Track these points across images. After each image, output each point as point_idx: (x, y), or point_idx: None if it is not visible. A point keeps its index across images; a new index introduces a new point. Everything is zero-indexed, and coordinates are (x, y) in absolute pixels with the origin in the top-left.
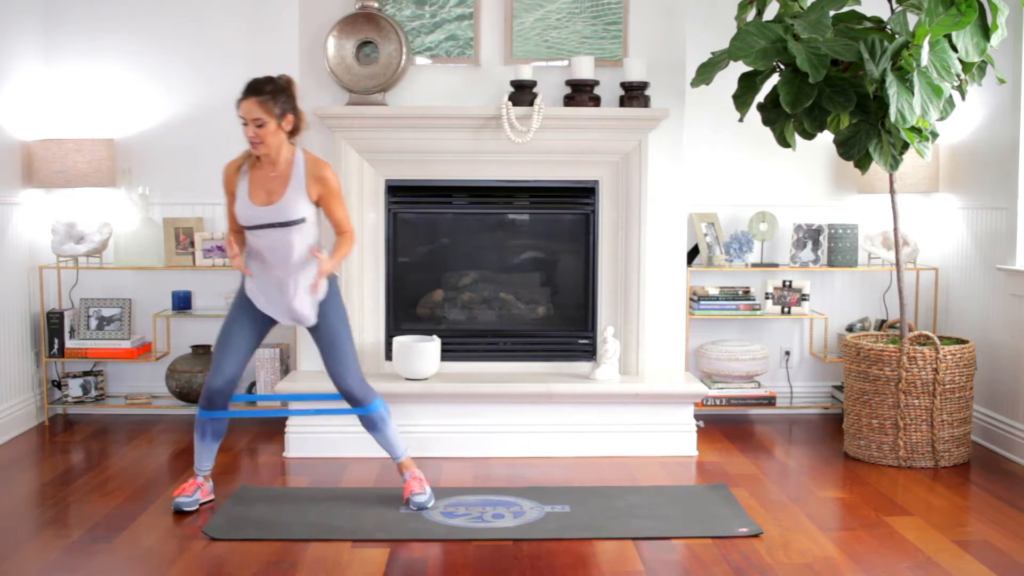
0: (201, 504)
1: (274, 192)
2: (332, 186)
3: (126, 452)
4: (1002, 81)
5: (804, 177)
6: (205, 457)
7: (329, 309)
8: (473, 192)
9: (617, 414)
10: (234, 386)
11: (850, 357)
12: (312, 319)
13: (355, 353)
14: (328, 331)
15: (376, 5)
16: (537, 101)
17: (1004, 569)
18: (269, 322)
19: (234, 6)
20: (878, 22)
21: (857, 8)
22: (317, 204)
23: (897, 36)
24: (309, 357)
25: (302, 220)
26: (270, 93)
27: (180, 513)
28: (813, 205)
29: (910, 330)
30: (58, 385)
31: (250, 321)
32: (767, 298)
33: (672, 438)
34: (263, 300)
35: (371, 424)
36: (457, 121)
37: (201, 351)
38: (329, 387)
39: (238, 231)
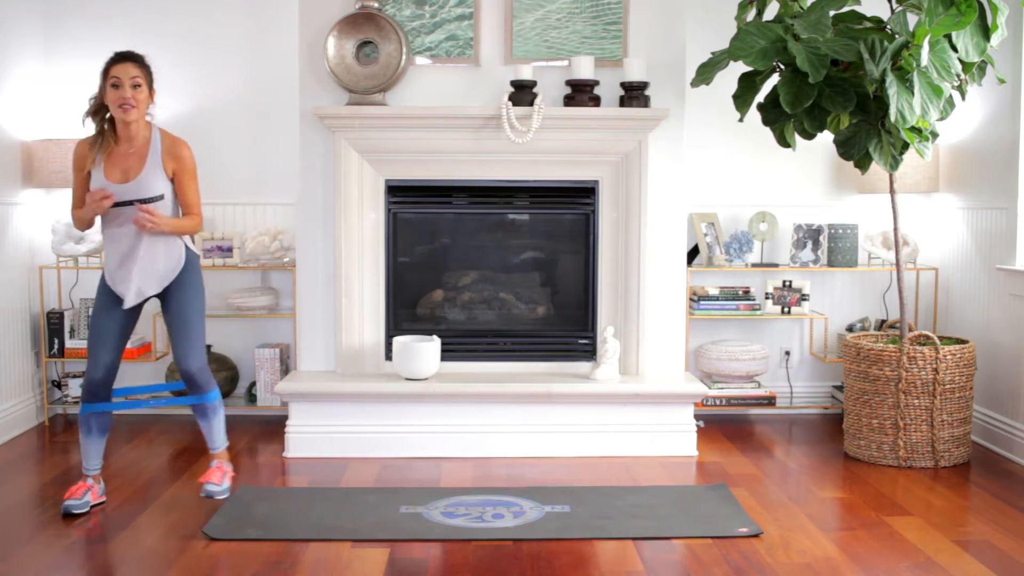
0: (93, 506)
1: (130, 169)
2: (188, 165)
3: (126, 452)
4: (1002, 81)
5: (804, 177)
6: (93, 455)
7: (184, 283)
8: (473, 192)
9: (617, 414)
10: (114, 375)
11: (850, 357)
12: (153, 290)
13: (203, 336)
14: (180, 307)
15: (376, 5)
16: (537, 101)
17: (1004, 569)
18: (136, 307)
19: (234, 6)
20: (878, 22)
21: (857, 8)
22: (172, 181)
23: (897, 36)
24: (309, 357)
25: (160, 197)
26: (142, 59)
27: (70, 516)
28: (813, 205)
29: (910, 330)
30: (58, 385)
31: (119, 312)
32: (767, 298)
33: (672, 438)
34: (116, 281)
35: (203, 411)
36: (457, 121)
37: None
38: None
39: (82, 208)
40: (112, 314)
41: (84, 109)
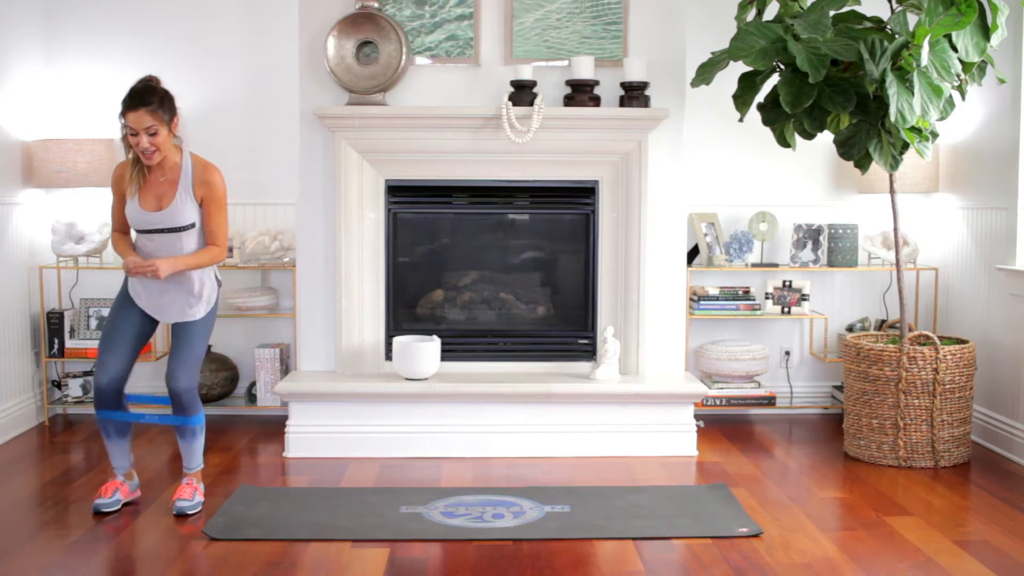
0: (124, 504)
1: (164, 197)
2: (216, 192)
3: None
4: (1002, 81)
5: (804, 177)
6: (118, 455)
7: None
8: (473, 192)
9: (617, 414)
10: (122, 383)
11: (850, 357)
12: (186, 318)
13: (199, 362)
14: (189, 331)
15: (376, 5)
16: (537, 101)
17: (1004, 569)
18: (154, 320)
19: (234, 6)
20: (878, 22)
21: (857, 8)
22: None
23: (897, 36)
24: (309, 357)
25: (191, 226)
26: (158, 100)
27: (100, 514)
28: (813, 205)
29: (910, 330)
30: (58, 385)
31: (136, 318)
32: (767, 298)
33: (672, 438)
34: (145, 299)
35: (182, 432)
36: (457, 121)
37: None
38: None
39: (124, 231)
40: (130, 321)
41: (119, 136)
